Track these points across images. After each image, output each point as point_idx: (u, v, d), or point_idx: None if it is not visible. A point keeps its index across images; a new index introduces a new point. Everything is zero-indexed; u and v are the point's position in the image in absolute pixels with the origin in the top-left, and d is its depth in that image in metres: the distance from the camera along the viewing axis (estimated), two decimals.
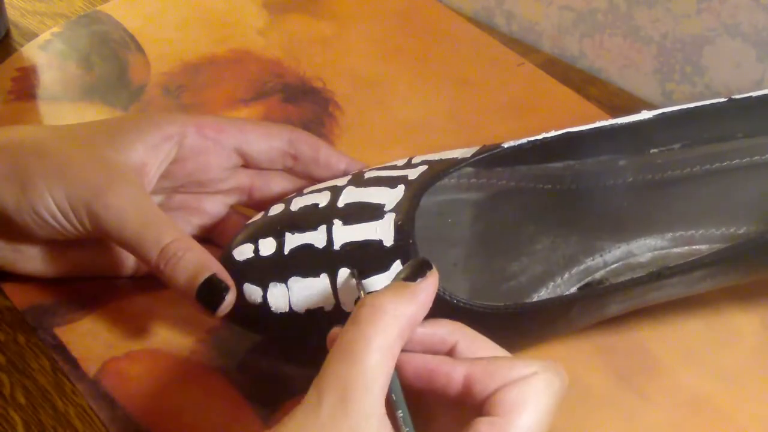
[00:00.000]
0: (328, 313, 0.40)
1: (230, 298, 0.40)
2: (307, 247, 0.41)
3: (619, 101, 0.62)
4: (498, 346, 0.36)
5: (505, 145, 0.43)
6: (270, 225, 0.43)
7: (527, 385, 0.33)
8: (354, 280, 0.40)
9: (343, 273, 0.40)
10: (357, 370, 0.32)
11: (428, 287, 0.35)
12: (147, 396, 0.42)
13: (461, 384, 0.34)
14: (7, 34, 0.65)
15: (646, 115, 0.43)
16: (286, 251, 0.41)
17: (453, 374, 0.34)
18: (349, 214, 0.41)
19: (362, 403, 0.32)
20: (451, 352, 0.36)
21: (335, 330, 0.36)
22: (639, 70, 0.63)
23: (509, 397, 0.33)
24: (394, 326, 0.34)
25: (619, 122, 0.43)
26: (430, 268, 0.36)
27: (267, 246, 0.42)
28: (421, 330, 0.36)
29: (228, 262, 0.42)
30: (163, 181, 0.46)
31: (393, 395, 0.34)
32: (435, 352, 0.36)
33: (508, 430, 0.32)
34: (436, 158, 0.44)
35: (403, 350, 0.34)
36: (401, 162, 0.45)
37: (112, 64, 0.62)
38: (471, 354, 0.36)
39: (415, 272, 0.36)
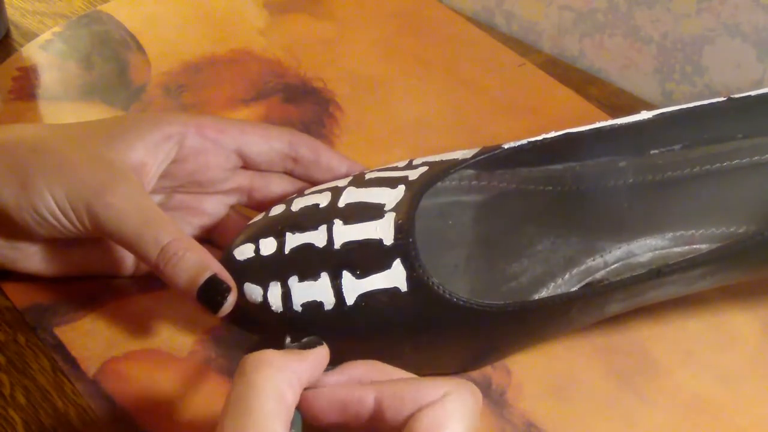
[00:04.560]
0: (328, 312, 0.40)
1: (232, 299, 0.40)
2: (308, 247, 0.41)
3: (619, 101, 0.62)
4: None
5: (506, 146, 0.43)
6: (271, 225, 0.43)
7: (441, 408, 0.31)
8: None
9: (346, 274, 0.40)
10: (253, 420, 0.30)
11: (318, 352, 0.34)
12: (146, 396, 0.42)
13: (373, 407, 0.32)
14: (7, 34, 0.65)
15: (645, 115, 0.43)
16: (287, 251, 0.41)
17: (365, 398, 0.32)
18: (350, 213, 0.41)
19: None
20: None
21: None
22: (639, 70, 0.63)
23: (425, 423, 0.31)
24: (281, 376, 0.32)
25: (618, 123, 0.43)
26: (320, 344, 0.35)
27: (267, 246, 0.42)
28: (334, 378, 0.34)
29: (228, 261, 0.42)
30: (163, 181, 0.46)
31: None
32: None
33: None
34: (437, 159, 0.44)
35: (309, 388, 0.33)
36: (402, 163, 0.45)
37: (113, 63, 0.62)
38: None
39: (304, 347, 0.35)
